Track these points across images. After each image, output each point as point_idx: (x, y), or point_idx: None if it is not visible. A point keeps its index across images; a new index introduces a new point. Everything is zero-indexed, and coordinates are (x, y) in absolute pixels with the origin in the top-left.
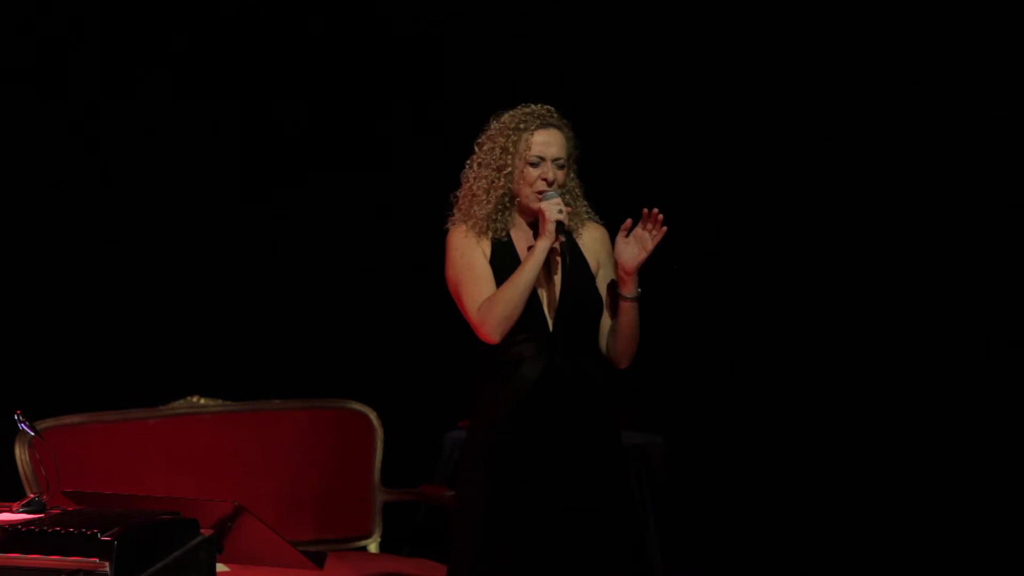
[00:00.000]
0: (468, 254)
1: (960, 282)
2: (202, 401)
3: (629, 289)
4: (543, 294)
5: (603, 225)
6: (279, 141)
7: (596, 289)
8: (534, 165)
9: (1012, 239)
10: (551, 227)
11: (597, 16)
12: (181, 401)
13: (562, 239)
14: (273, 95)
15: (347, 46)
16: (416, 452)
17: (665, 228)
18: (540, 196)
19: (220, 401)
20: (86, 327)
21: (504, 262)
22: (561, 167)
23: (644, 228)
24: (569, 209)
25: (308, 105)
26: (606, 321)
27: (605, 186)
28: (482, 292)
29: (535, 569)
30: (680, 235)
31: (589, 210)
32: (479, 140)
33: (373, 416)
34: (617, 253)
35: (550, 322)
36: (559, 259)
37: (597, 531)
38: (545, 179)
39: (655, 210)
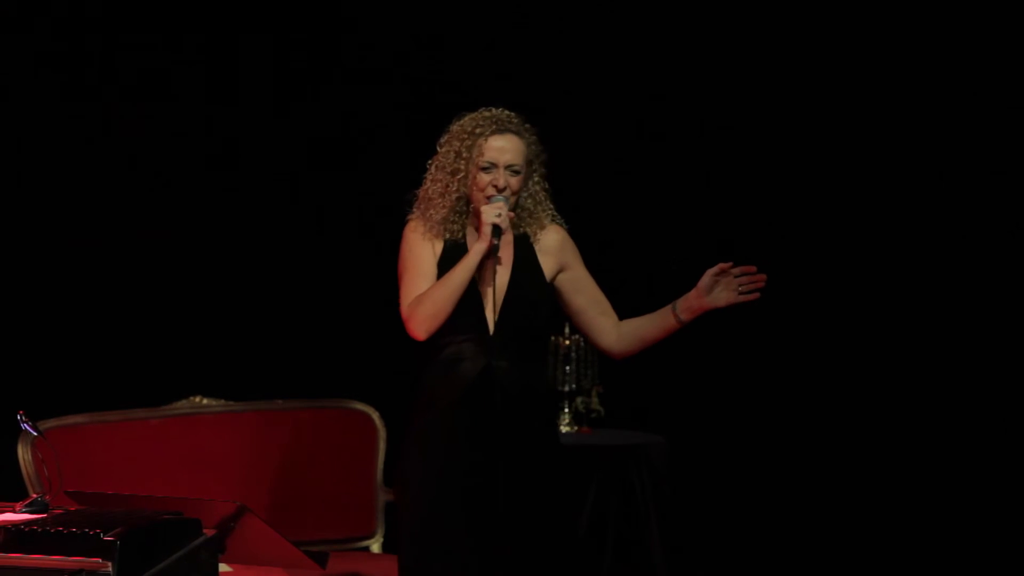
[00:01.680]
0: (416, 248)
1: (961, 282)
2: (205, 401)
3: (688, 317)
4: (488, 295)
5: (565, 228)
6: (281, 141)
7: (544, 293)
8: (486, 171)
9: (1012, 239)
10: (487, 230)
11: (593, 18)
12: (184, 401)
13: (495, 242)
14: (275, 95)
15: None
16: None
17: (758, 295)
18: (488, 201)
19: (223, 401)
20: (88, 327)
21: (453, 263)
22: (515, 173)
23: (739, 277)
24: (511, 215)
25: (309, 105)
26: (634, 322)
27: (607, 188)
28: (418, 287)
29: (463, 562)
30: (682, 235)
31: (554, 213)
32: (440, 140)
33: (376, 416)
34: (706, 286)
35: (491, 324)
36: (505, 256)
37: (523, 530)
38: (495, 185)
39: (762, 275)
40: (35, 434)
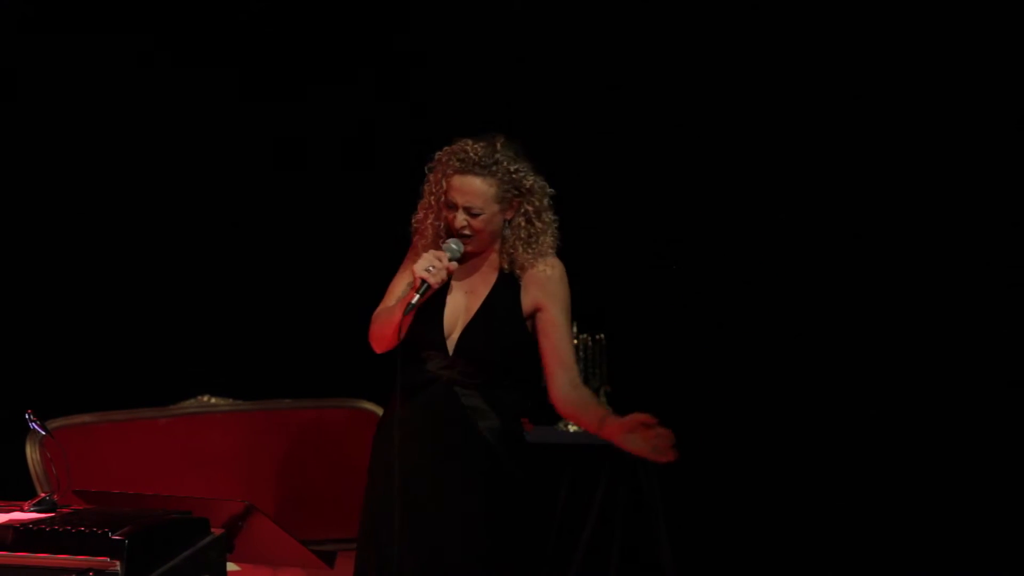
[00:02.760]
0: (402, 269)
1: (964, 282)
2: (213, 400)
3: (605, 438)
4: (455, 318)
5: (560, 264)
6: (287, 141)
7: (514, 328)
8: (451, 208)
9: (1012, 239)
10: (418, 282)
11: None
12: (191, 400)
13: (416, 297)
14: (282, 96)
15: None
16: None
17: (662, 460)
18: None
19: (231, 400)
20: (97, 326)
21: (446, 285)
22: (474, 215)
23: (650, 438)
24: (451, 267)
25: (312, 105)
26: (589, 399)
27: (610, 192)
28: (384, 304)
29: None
30: (687, 235)
31: (550, 250)
32: (427, 166)
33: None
34: (629, 425)
35: (450, 347)
36: (482, 286)
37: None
38: (452, 225)
39: (671, 441)
40: (43, 433)
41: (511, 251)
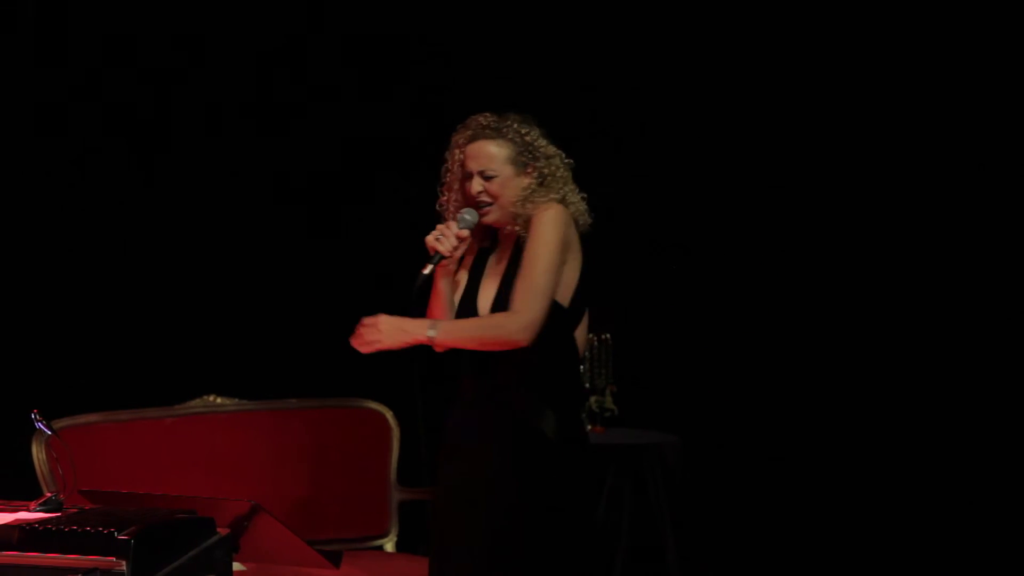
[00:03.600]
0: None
1: (981, 285)
2: (218, 400)
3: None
4: (486, 306)
5: (557, 206)
6: (295, 142)
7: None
8: (469, 179)
9: (1012, 239)
10: (431, 252)
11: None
12: (197, 400)
13: (430, 267)
14: (289, 101)
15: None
16: (432, 451)
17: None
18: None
19: (236, 400)
20: (102, 326)
21: (480, 271)
22: (489, 178)
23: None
24: (462, 234)
25: (319, 107)
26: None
27: (616, 192)
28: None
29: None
30: (691, 235)
31: (558, 198)
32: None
33: (389, 415)
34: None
35: None
36: (500, 268)
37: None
38: (471, 194)
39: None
40: (49, 433)
41: (520, 216)
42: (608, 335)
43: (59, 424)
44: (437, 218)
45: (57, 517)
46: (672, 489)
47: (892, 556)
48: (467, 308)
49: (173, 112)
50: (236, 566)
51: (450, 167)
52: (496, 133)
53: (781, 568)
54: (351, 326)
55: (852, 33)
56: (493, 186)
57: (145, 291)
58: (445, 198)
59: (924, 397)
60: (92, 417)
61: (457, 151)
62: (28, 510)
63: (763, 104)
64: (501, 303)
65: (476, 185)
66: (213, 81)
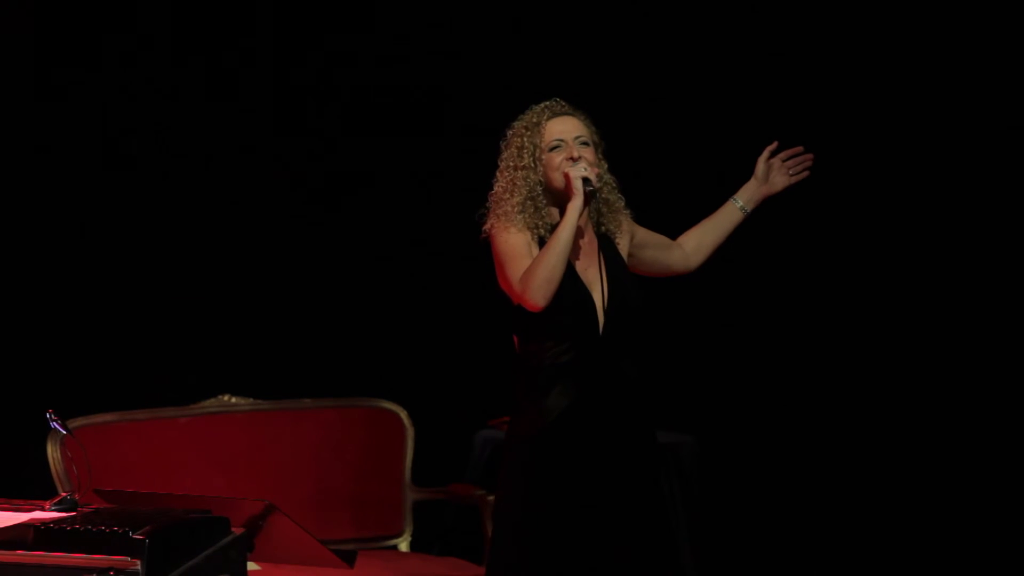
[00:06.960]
0: (512, 237)
1: (992, 286)
2: (233, 400)
3: (753, 207)
4: (595, 296)
5: (628, 214)
6: (300, 143)
7: (636, 284)
8: (556, 150)
9: (1012, 239)
10: (577, 184)
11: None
12: (212, 400)
13: (588, 190)
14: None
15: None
16: (447, 451)
17: (808, 173)
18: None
19: (251, 400)
20: (118, 326)
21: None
22: (585, 145)
23: (787, 161)
24: (596, 170)
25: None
26: (697, 233)
27: (621, 191)
28: (523, 265)
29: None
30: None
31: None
32: (502, 144)
33: (404, 415)
34: (762, 173)
35: (600, 326)
36: (599, 260)
37: (635, 539)
38: (571, 157)
39: (809, 155)
40: (64, 432)
41: (607, 210)
42: None
43: (74, 424)
44: (484, 211)
45: (72, 516)
46: (687, 489)
47: (909, 557)
48: (570, 306)
49: (183, 110)
50: (251, 566)
51: (521, 151)
52: (577, 112)
53: (796, 568)
54: (365, 326)
55: (852, 33)
56: (588, 152)
57: (161, 291)
58: (505, 183)
59: (944, 396)
60: (107, 417)
61: (535, 133)
62: (43, 509)
63: (765, 103)
64: (620, 299)
65: (575, 149)
66: (225, 83)
